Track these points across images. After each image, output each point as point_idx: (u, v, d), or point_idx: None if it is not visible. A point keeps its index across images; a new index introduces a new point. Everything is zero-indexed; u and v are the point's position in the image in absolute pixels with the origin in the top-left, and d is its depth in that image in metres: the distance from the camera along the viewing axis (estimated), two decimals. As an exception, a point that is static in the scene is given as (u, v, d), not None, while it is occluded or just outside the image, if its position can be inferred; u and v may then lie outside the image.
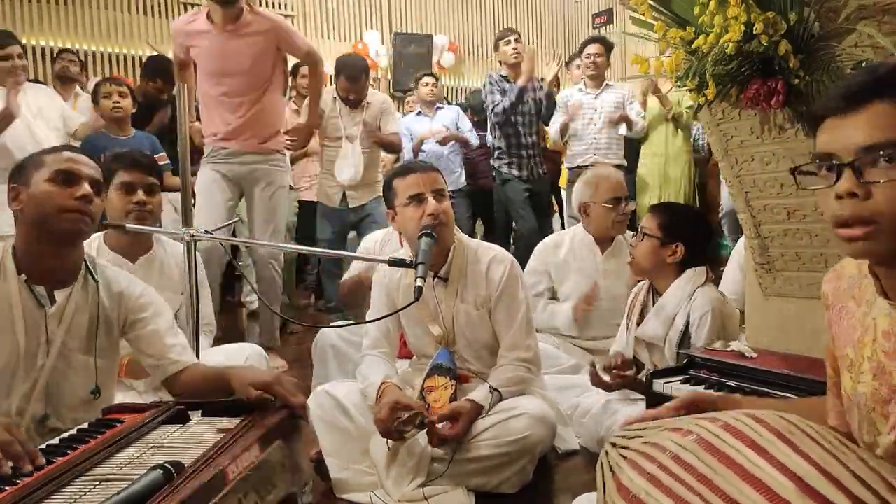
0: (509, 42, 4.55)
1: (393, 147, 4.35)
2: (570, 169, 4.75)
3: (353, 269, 2.91)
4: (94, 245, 2.24)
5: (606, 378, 2.12)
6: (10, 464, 1.17)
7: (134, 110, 3.76)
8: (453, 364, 2.06)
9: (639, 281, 2.51)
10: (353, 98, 3.94)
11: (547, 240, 3.05)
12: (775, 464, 0.82)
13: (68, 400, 1.64)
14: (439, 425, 1.88)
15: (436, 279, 2.11)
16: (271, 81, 3.39)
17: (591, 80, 4.66)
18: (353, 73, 3.89)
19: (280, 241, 3.62)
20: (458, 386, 2.03)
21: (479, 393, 1.98)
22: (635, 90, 4.93)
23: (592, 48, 4.65)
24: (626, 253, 2.83)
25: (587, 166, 4.27)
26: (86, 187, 1.59)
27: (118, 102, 3.67)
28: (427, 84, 5.14)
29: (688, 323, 2.24)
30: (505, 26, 7.56)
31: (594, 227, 2.87)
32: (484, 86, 4.66)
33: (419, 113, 5.18)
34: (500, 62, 4.76)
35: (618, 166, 4.57)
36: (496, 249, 2.17)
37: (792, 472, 0.81)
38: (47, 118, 3.63)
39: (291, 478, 1.46)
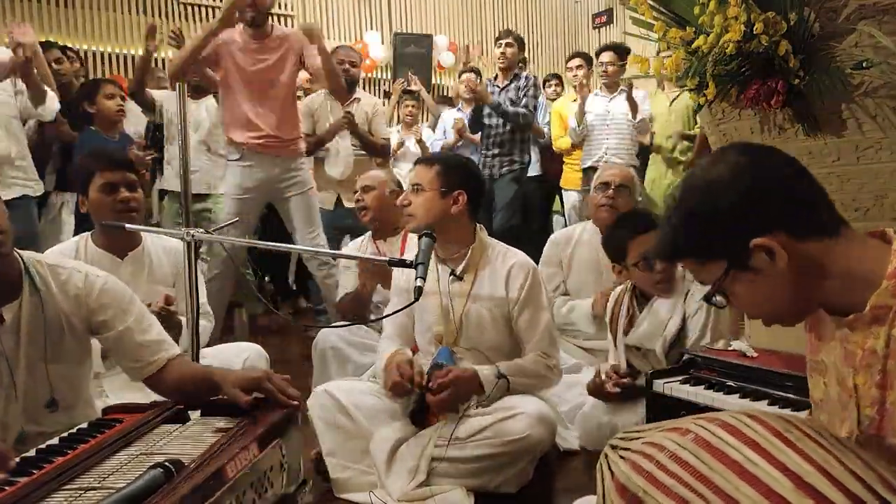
0: (500, 45, 4.54)
1: (377, 151, 4.28)
2: (583, 170, 4.79)
3: (345, 285, 2.88)
4: (80, 244, 2.21)
5: (608, 386, 2.18)
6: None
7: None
8: (454, 363, 2.06)
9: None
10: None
11: (559, 234, 3.11)
12: (773, 462, 0.83)
13: (47, 411, 1.60)
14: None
15: (451, 276, 2.12)
16: None
17: (606, 87, 4.70)
18: None
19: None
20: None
21: (486, 370, 1.98)
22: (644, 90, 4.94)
23: (605, 56, 4.68)
24: None
25: (597, 167, 4.30)
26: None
27: (121, 106, 3.82)
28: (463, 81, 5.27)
29: (683, 320, 2.26)
30: (505, 26, 7.54)
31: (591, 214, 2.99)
32: None
33: (458, 109, 5.26)
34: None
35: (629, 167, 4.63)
36: (519, 255, 2.16)
37: (789, 469, 0.82)
38: None
39: (288, 477, 1.46)
